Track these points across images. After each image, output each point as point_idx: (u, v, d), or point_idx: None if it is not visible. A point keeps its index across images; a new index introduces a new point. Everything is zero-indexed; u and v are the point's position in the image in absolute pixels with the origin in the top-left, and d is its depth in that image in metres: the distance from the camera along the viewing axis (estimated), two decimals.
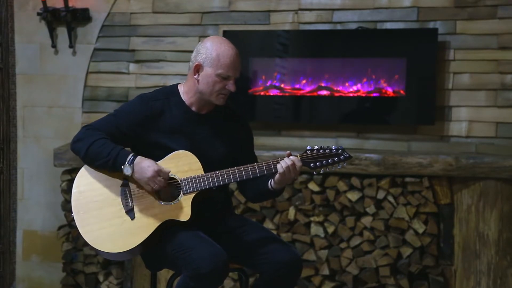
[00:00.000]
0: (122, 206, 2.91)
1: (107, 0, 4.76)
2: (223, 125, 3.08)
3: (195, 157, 2.94)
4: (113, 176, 2.95)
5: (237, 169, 2.91)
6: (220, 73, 2.94)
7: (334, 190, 4.28)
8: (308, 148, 2.95)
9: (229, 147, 3.06)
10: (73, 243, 4.58)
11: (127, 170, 2.87)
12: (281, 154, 4.08)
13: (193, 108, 3.04)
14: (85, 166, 2.99)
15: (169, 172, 2.89)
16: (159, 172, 2.85)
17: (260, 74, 4.60)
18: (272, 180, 2.95)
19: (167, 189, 2.93)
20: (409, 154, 4.22)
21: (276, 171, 2.90)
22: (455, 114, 4.37)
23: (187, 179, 2.91)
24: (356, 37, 4.46)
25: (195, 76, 2.99)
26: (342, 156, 2.95)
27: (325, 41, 4.53)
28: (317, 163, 2.92)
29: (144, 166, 2.86)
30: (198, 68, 2.98)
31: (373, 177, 4.23)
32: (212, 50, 2.95)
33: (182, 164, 2.93)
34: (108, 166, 2.91)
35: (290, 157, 2.90)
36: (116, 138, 2.97)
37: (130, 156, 2.88)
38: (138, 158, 2.88)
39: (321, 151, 2.94)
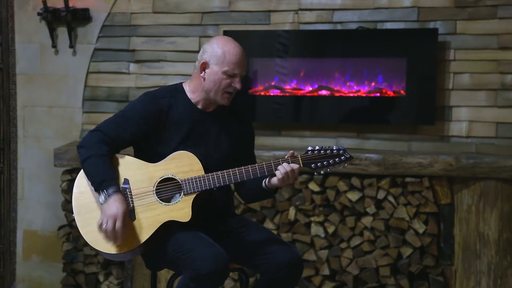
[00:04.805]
0: None
1: (107, 0, 4.76)
2: (229, 123, 3.09)
3: (196, 157, 2.94)
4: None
5: (237, 170, 2.91)
6: (226, 71, 2.96)
7: (334, 190, 4.28)
8: (309, 148, 2.96)
9: (234, 145, 3.07)
10: (73, 243, 4.58)
11: (101, 198, 2.86)
12: (281, 154, 4.13)
13: (199, 106, 3.05)
14: None
15: (120, 230, 2.81)
16: (115, 218, 2.80)
17: (260, 74, 4.60)
18: (268, 179, 2.96)
19: (168, 189, 2.93)
20: (409, 154, 4.22)
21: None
22: (455, 114, 4.37)
23: (188, 179, 2.91)
24: (356, 37, 4.46)
25: (202, 74, 3.00)
26: (343, 157, 2.96)
27: (325, 41, 4.53)
28: (318, 164, 2.93)
29: (114, 204, 2.82)
30: (204, 66, 2.99)
31: (373, 177, 4.24)
32: (218, 48, 2.97)
33: (183, 165, 2.93)
34: (92, 186, 2.92)
35: (290, 164, 2.89)
36: (123, 139, 2.98)
37: (112, 189, 2.84)
38: (118, 195, 2.84)
39: (322, 151, 2.94)
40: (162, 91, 3.07)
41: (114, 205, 2.82)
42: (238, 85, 2.99)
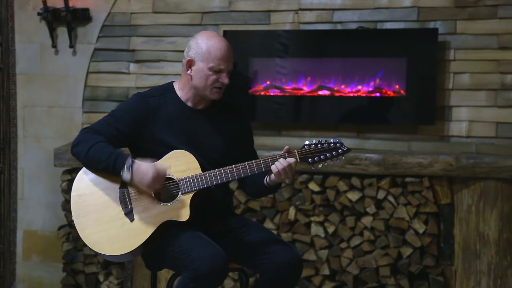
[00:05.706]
0: (121, 208, 2.90)
1: (107, 0, 4.76)
2: (221, 120, 3.08)
3: (192, 156, 2.94)
4: (112, 178, 2.94)
5: (234, 167, 2.91)
6: (212, 66, 2.95)
7: (334, 190, 4.28)
8: (306, 143, 2.95)
9: (228, 141, 3.06)
10: (73, 243, 4.58)
11: (126, 176, 2.86)
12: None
13: (189, 104, 3.05)
14: (84, 169, 2.98)
15: (166, 168, 2.87)
16: (158, 173, 2.84)
17: (260, 74, 4.60)
18: (268, 176, 2.95)
19: (166, 189, 2.93)
20: (409, 154, 4.22)
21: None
22: (455, 114, 4.37)
23: (185, 178, 2.91)
24: (356, 37, 4.46)
25: (188, 72, 3.00)
26: (340, 150, 2.95)
27: (325, 41, 4.53)
28: (315, 158, 2.92)
29: (143, 171, 2.84)
30: (190, 64, 2.99)
31: (373, 177, 4.23)
32: (202, 44, 2.96)
33: (180, 164, 2.93)
34: (108, 171, 2.90)
35: (287, 159, 2.89)
36: (116, 138, 2.98)
37: (129, 160, 2.86)
38: (136, 163, 2.87)
39: (319, 145, 2.94)
40: (153, 91, 3.09)
41: (143, 171, 2.84)
42: (225, 80, 2.99)
